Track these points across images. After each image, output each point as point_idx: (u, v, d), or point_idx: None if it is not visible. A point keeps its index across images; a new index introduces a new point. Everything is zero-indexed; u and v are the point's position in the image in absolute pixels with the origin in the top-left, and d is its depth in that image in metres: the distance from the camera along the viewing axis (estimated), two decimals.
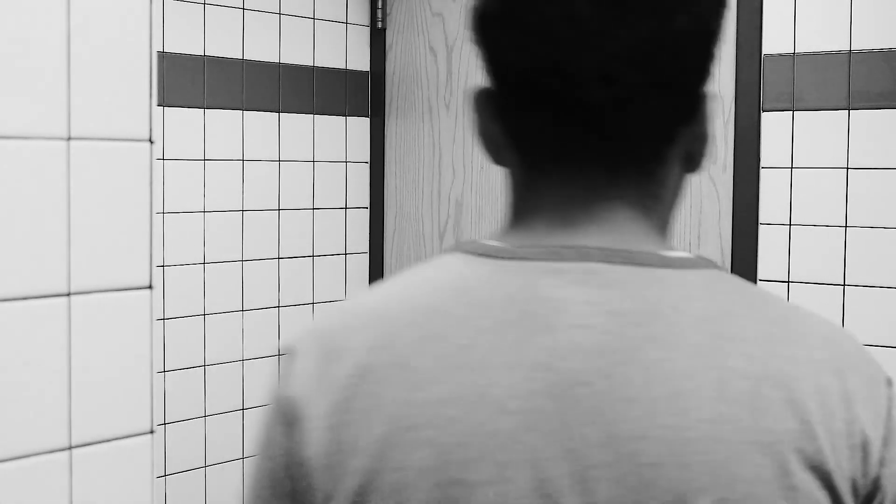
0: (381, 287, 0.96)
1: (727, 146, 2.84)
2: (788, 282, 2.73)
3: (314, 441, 0.87)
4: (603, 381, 0.85)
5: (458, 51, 3.29)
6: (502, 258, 0.91)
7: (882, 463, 0.87)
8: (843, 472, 0.85)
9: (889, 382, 0.91)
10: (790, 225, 2.72)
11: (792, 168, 2.72)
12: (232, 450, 3.13)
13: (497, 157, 0.97)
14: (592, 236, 0.92)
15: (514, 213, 0.96)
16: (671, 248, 0.96)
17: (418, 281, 0.93)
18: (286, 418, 0.90)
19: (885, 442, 0.87)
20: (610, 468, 0.83)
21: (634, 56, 0.87)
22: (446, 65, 3.32)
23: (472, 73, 3.27)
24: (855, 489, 0.86)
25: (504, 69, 0.91)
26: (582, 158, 0.92)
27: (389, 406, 0.86)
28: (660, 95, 0.89)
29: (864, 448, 0.86)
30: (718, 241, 2.85)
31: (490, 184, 3.25)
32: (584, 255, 0.90)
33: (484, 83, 0.95)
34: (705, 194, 2.87)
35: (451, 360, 0.87)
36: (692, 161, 0.96)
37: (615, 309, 0.87)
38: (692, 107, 0.92)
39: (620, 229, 0.92)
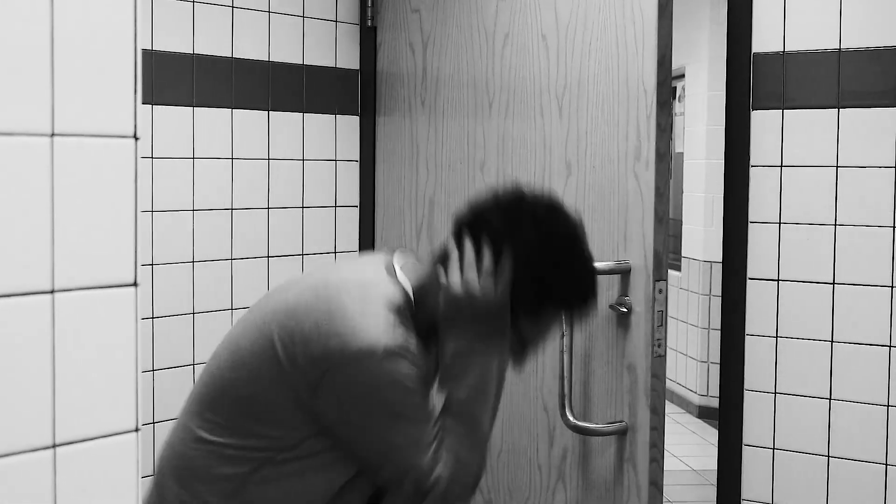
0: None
1: (650, 142, 2.65)
2: (778, 280, 2.73)
3: None
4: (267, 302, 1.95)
5: (432, 46, 3.22)
6: None
7: (320, 379, 1.78)
8: (296, 371, 1.80)
9: (356, 349, 1.75)
10: (780, 223, 2.73)
11: (782, 166, 2.72)
12: None
13: None
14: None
15: None
16: (396, 275, 1.90)
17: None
18: None
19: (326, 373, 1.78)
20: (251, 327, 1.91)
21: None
22: (422, 61, 3.25)
23: (442, 68, 3.19)
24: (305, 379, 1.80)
25: None
26: None
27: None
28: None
29: (314, 360, 1.77)
30: (642, 242, 2.63)
31: (456, 182, 3.16)
32: None
33: None
34: (631, 193, 2.80)
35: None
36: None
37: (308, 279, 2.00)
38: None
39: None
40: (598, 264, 2.54)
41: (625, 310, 2.62)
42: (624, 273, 2.64)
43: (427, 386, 1.87)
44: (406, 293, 1.86)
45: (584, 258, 1.90)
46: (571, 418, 2.65)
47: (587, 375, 2.73)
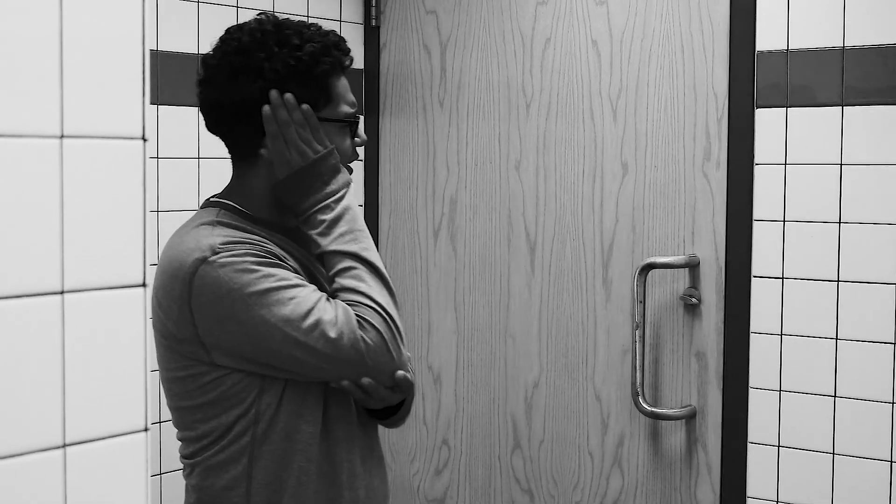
0: None
1: (720, 143, 2.84)
2: (783, 278, 2.73)
3: None
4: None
5: (452, 48, 3.29)
6: None
7: (191, 324, 1.81)
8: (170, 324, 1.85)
9: (189, 274, 1.79)
10: (784, 221, 2.73)
11: (786, 164, 2.73)
12: None
13: None
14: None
15: None
16: (216, 201, 1.93)
17: None
18: None
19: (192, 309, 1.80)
20: None
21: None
22: (440, 62, 3.31)
23: (465, 70, 3.27)
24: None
25: None
26: None
27: None
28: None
29: (178, 314, 1.81)
30: (712, 237, 2.85)
31: (484, 181, 3.25)
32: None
33: None
34: (699, 191, 2.88)
35: None
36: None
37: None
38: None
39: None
40: (668, 258, 2.87)
41: (695, 300, 2.85)
42: (692, 266, 2.86)
43: (281, 259, 1.86)
44: (225, 208, 1.90)
45: (295, 30, 1.89)
46: (645, 405, 2.87)
47: (652, 363, 2.94)
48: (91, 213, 1.07)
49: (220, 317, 1.79)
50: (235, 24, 1.95)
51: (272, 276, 1.79)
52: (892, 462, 2.61)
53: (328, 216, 1.86)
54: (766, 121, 2.75)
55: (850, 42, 2.63)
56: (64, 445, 1.05)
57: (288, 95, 1.85)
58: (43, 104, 1.03)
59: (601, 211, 3.04)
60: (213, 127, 1.94)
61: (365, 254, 1.85)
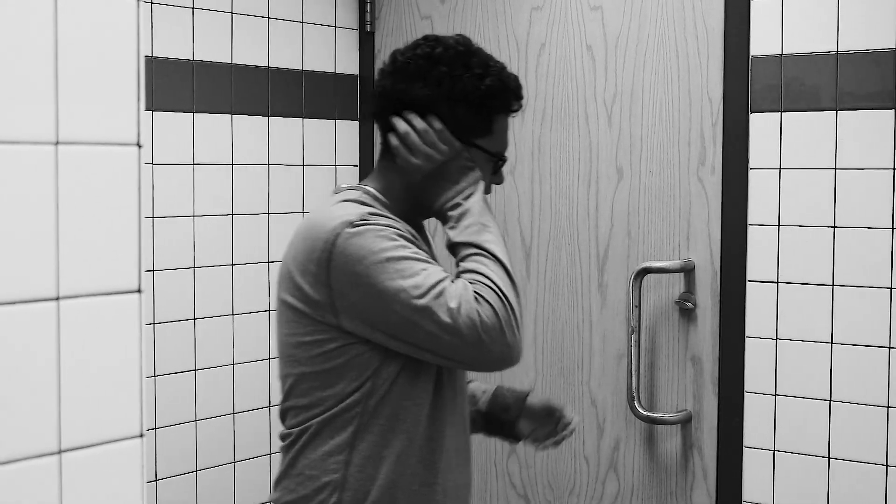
0: None
1: (715, 147, 2.85)
2: (777, 282, 2.74)
3: None
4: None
5: None
6: None
7: (327, 285, 1.89)
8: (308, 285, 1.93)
9: (333, 235, 1.88)
10: (779, 226, 2.73)
11: (780, 169, 2.73)
12: (223, 454, 3.12)
13: None
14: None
15: None
16: (357, 187, 2.05)
17: None
18: None
19: (326, 270, 1.89)
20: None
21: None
22: None
23: None
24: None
25: None
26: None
27: None
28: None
29: (316, 275, 1.90)
30: (707, 241, 2.86)
31: None
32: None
33: None
34: (694, 195, 2.88)
35: None
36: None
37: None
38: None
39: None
40: (663, 263, 2.86)
41: (690, 305, 2.85)
42: (688, 271, 2.87)
43: (416, 241, 1.96)
44: (366, 193, 2.02)
45: (481, 61, 2.01)
46: (641, 410, 2.87)
47: (647, 368, 2.95)
48: (86, 219, 1.07)
49: (354, 279, 1.87)
50: (433, 34, 2.09)
51: (408, 247, 1.90)
52: (887, 466, 2.61)
53: (456, 212, 1.98)
54: (761, 125, 2.75)
55: (844, 46, 2.63)
56: (60, 451, 1.05)
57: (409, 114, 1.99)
58: (38, 111, 1.03)
59: (596, 216, 3.05)
60: (376, 115, 2.05)
61: (486, 244, 1.94)
